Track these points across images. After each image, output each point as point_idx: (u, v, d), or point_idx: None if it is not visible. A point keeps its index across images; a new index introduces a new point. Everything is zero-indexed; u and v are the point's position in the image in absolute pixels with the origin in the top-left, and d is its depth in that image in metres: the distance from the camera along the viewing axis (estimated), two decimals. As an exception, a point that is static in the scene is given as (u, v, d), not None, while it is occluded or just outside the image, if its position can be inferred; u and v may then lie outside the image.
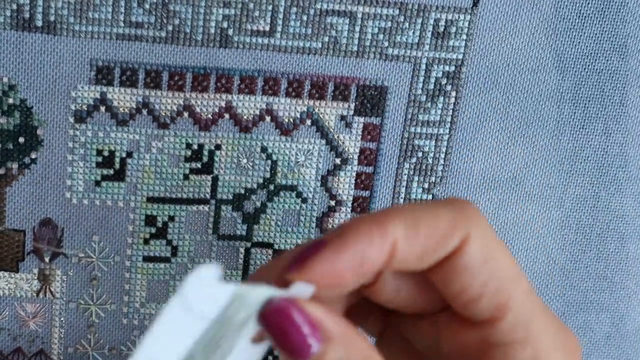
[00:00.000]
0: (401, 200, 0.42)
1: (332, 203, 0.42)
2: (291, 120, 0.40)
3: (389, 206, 0.42)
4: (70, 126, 0.39)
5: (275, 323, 0.22)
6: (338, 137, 0.41)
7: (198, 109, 0.39)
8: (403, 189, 0.42)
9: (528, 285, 0.27)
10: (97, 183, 0.40)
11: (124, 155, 0.39)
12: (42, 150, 0.39)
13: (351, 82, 0.40)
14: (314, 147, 0.41)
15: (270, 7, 0.38)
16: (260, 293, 0.23)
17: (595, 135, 0.42)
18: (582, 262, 0.44)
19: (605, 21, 0.40)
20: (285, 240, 0.42)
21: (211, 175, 0.40)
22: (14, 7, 0.36)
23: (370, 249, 0.24)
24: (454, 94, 0.40)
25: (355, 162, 0.41)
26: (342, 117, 0.40)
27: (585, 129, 0.42)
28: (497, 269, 0.26)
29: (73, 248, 0.40)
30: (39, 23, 0.37)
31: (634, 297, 0.46)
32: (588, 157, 0.43)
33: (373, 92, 0.40)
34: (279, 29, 0.38)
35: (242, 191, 0.41)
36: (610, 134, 0.42)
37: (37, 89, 0.38)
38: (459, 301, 0.27)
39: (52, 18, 0.37)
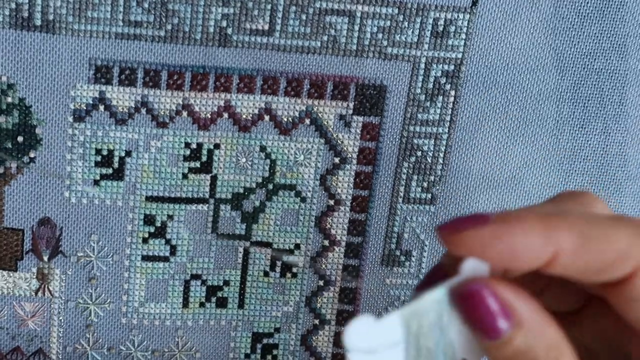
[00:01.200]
0: (400, 200, 0.42)
1: (331, 202, 0.42)
2: (290, 119, 0.40)
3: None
4: (69, 125, 0.39)
5: (467, 305, 0.22)
6: (337, 136, 0.41)
7: (197, 108, 0.39)
8: (402, 188, 0.42)
9: None
10: (96, 182, 0.40)
11: (122, 154, 0.39)
12: (41, 149, 0.39)
13: (350, 82, 0.40)
14: (313, 147, 0.41)
15: (269, 6, 0.38)
16: (432, 294, 0.23)
17: (595, 135, 0.42)
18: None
19: (604, 20, 0.40)
20: (284, 240, 0.42)
21: (210, 175, 0.40)
22: (13, 6, 0.36)
23: (526, 250, 0.22)
24: (453, 93, 0.40)
25: (355, 162, 0.41)
26: (341, 117, 0.40)
27: (585, 128, 0.42)
28: None
29: (72, 247, 0.40)
30: (38, 22, 0.37)
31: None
32: (587, 156, 0.43)
33: (372, 92, 0.40)
34: (278, 28, 0.38)
35: (241, 190, 0.41)
36: (610, 133, 0.42)
37: (36, 87, 0.38)
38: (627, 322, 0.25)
39: (51, 17, 0.37)
